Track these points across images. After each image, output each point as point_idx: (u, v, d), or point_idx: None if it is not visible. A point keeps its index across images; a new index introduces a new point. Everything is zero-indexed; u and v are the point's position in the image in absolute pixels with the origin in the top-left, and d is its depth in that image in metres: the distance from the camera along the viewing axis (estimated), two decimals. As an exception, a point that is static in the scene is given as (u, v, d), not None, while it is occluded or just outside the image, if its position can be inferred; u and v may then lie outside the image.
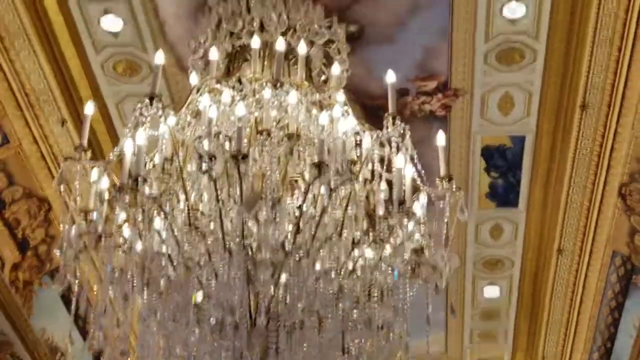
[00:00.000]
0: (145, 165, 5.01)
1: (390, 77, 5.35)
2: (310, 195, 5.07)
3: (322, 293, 4.91)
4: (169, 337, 5.08)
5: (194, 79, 5.90)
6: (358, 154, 5.33)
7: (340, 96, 5.51)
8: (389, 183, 5.19)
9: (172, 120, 5.21)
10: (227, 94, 5.27)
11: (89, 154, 5.19)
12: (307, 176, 5.23)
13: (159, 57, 5.24)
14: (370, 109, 7.01)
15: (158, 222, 5.02)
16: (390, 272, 5.10)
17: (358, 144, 5.37)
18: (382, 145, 5.25)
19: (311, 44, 6.06)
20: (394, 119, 5.17)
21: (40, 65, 6.97)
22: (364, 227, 5.22)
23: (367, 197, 5.32)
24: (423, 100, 7.40)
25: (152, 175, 5.03)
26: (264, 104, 5.11)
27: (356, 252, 5.14)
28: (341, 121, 5.20)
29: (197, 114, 5.36)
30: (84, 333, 7.76)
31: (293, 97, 5.18)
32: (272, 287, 4.88)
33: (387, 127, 5.17)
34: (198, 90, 5.48)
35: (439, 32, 6.80)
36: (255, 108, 5.36)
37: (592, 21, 6.57)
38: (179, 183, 5.12)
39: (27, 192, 7.85)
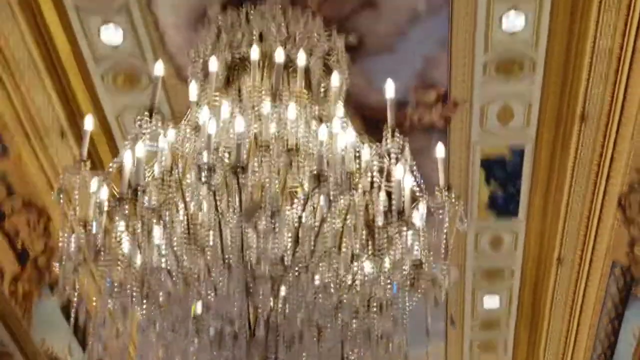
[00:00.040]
0: (145, 176, 5.01)
1: (390, 91, 5.35)
2: (309, 206, 5.07)
3: (322, 304, 4.91)
4: (168, 347, 5.08)
5: (193, 89, 5.90)
6: (357, 166, 5.33)
7: (340, 109, 5.51)
8: (389, 194, 5.19)
9: (171, 133, 5.21)
10: (226, 108, 5.27)
11: (88, 164, 5.19)
12: (306, 186, 5.23)
13: (159, 69, 5.24)
14: (369, 120, 7.00)
15: (157, 233, 5.02)
16: (389, 286, 5.10)
17: (357, 156, 5.37)
18: (381, 157, 5.26)
19: (310, 54, 6.07)
20: (393, 132, 5.18)
21: (40, 76, 6.97)
22: (363, 238, 5.22)
23: (366, 208, 5.32)
24: (422, 111, 7.40)
25: (151, 186, 5.03)
26: (263, 119, 5.11)
27: (355, 265, 5.14)
28: (340, 135, 5.21)
29: (197, 128, 5.35)
30: (83, 344, 7.75)
31: (292, 112, 5.18)
32: (271, 300, 4.87)
33: (386, 140, 5.18)
34: (197, 104, 5.48)
35: (439, 42, 6.80)
36: (254, 120, 5.36)
37: (591, 31, 6.58)
38: (179, 194, 5.12)
39: (26, 203, 7.84)
